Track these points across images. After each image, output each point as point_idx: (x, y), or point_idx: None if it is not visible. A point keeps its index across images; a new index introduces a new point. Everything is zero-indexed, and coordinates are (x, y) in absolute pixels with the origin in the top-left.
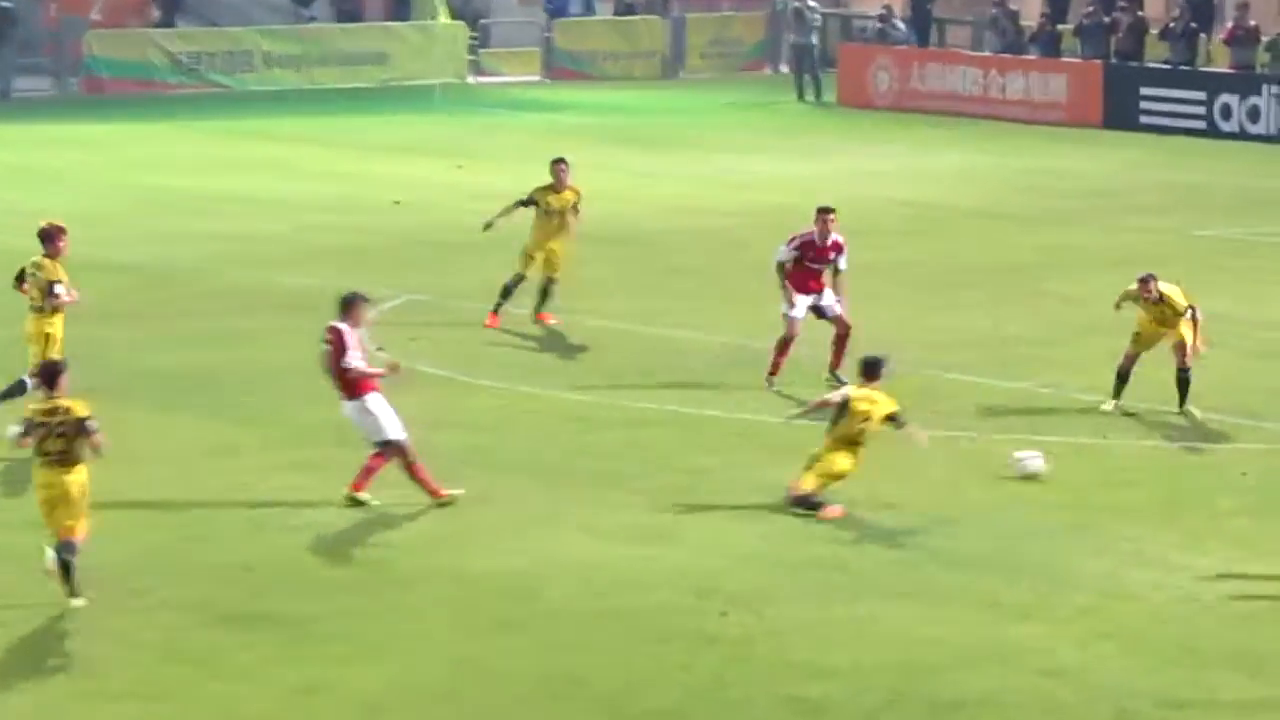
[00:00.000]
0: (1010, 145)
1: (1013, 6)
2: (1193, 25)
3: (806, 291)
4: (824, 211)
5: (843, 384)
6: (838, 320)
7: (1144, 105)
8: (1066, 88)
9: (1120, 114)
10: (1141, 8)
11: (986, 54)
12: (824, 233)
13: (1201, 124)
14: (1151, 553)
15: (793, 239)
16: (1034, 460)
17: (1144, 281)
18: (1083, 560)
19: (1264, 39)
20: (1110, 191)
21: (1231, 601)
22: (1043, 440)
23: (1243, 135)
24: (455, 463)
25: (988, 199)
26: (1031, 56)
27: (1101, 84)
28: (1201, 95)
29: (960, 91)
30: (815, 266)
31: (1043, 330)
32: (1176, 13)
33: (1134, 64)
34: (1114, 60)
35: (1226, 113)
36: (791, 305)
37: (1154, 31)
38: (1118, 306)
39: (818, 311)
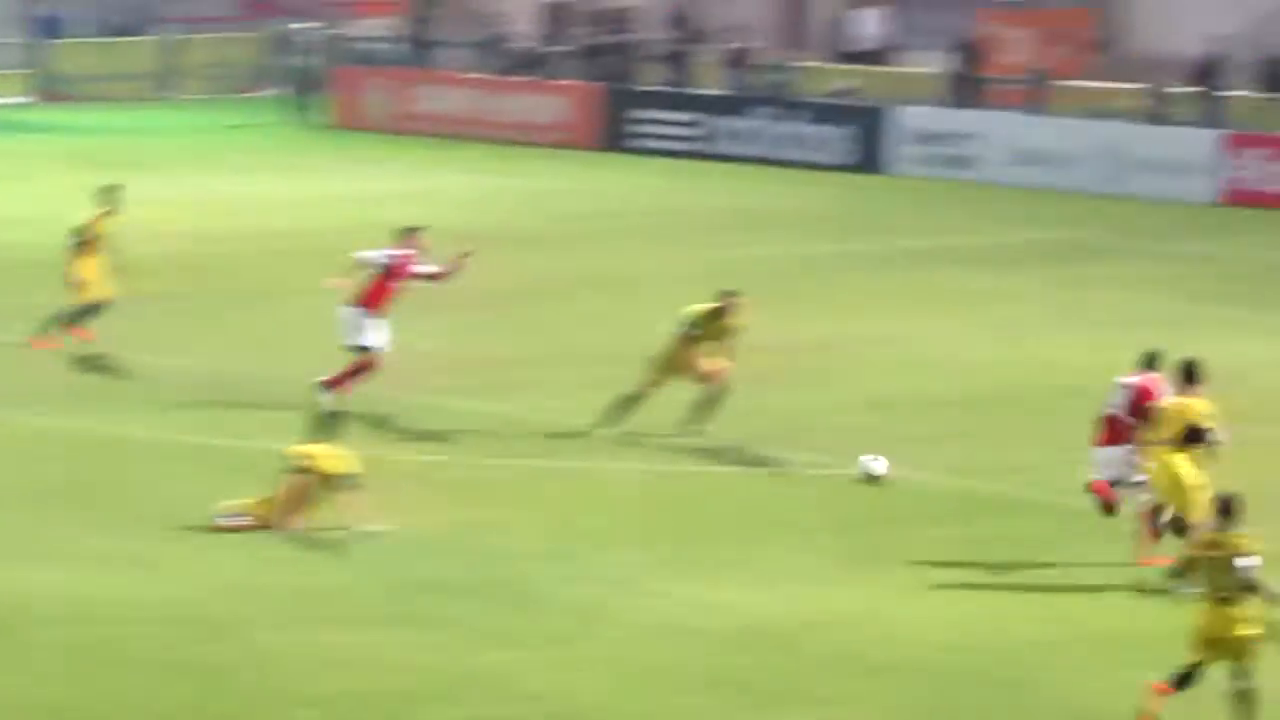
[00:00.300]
0: (508, 167)
1: (508, 28)
2: (683, 48)
3: (385, 314)
4: (410, 231)
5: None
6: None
7: (639, 128)
8: (563, 110)
9: (617, 136)
10: (635, 31)
11: (483, 75)
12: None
13: (695, 145)
14: (631, 578)
15: (392, 255)
16: (877, 463)
17: (726, 299)
18: (560, 586)
19: (756, 62)
20: (607, 214)
21: (711, 626)
22: (524, 463)
23: (734, 157)
24: None
25: (485, 220)
26: (528, 78)
27: (598, 106)
28: (694, 117)
29: (457, 113)
30: (397, 286)
31: (528, 351)
32: (669, 35)
33: (629, 86)
34: (610, 83)
35: (718, 134)
36: (371, 334)
37: (648, 54)
38: (692, 331)
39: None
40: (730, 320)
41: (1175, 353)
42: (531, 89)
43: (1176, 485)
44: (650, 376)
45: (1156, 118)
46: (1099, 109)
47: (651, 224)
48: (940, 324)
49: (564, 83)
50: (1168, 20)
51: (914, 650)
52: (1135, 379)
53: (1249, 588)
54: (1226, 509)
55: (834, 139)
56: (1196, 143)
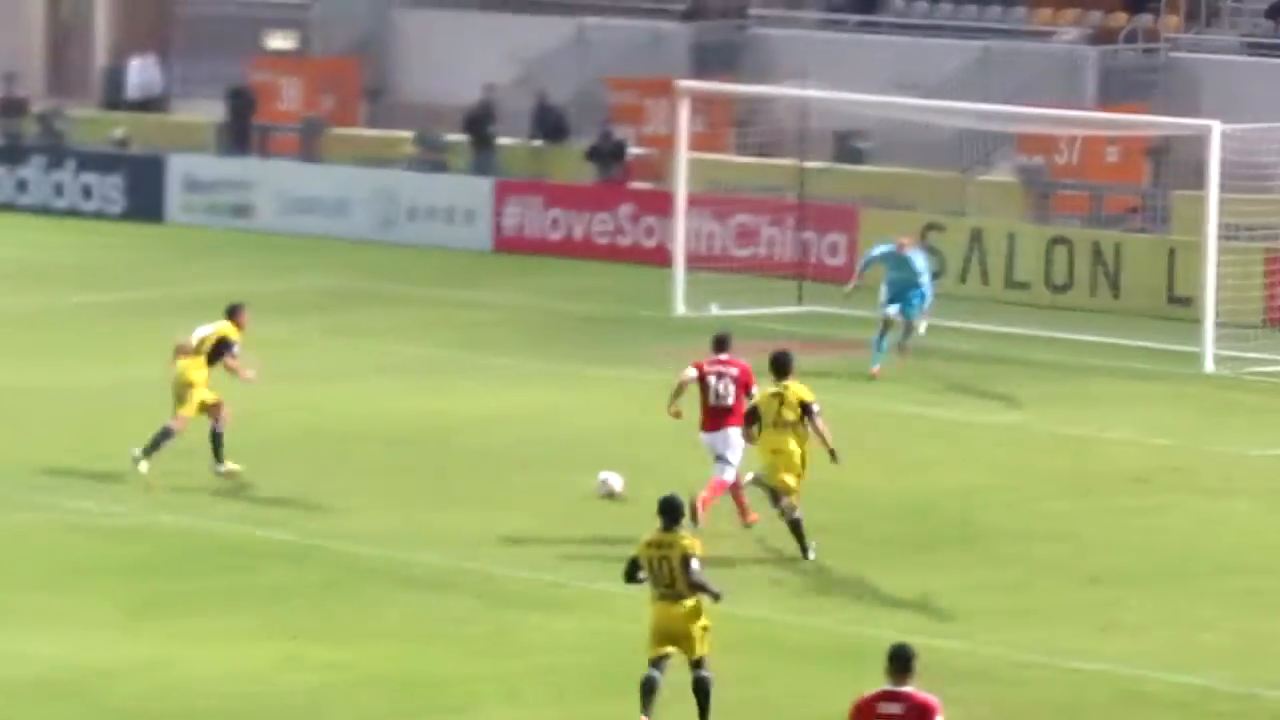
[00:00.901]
0: None
1: None
2: None
3: None
4: None
5: None
6: None
7: None
8: None
9: None
10: None
11: None
12: None
13: None
14: None
15: None
16: (615, 480)
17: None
18: None
19: (34, 110)
20: None
21: (4, 677)
22: None
23: (12, 207)
24: None
25: None
26: None
27: None
28: None
29: None
30: None
31: None
32: None
33: None
34: None
35: None
36: None
37: None
38: None
39: None
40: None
41: (450, 397)
42: None
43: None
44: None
45: (430, 165)
46: (373, 157)
47: None
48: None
49: None
50: (443, 69)
51: (202, 700)
52: (734, 369)
53: (696, 586)
54: (669, 510)
55: (110, 188)
56: (470, 190)
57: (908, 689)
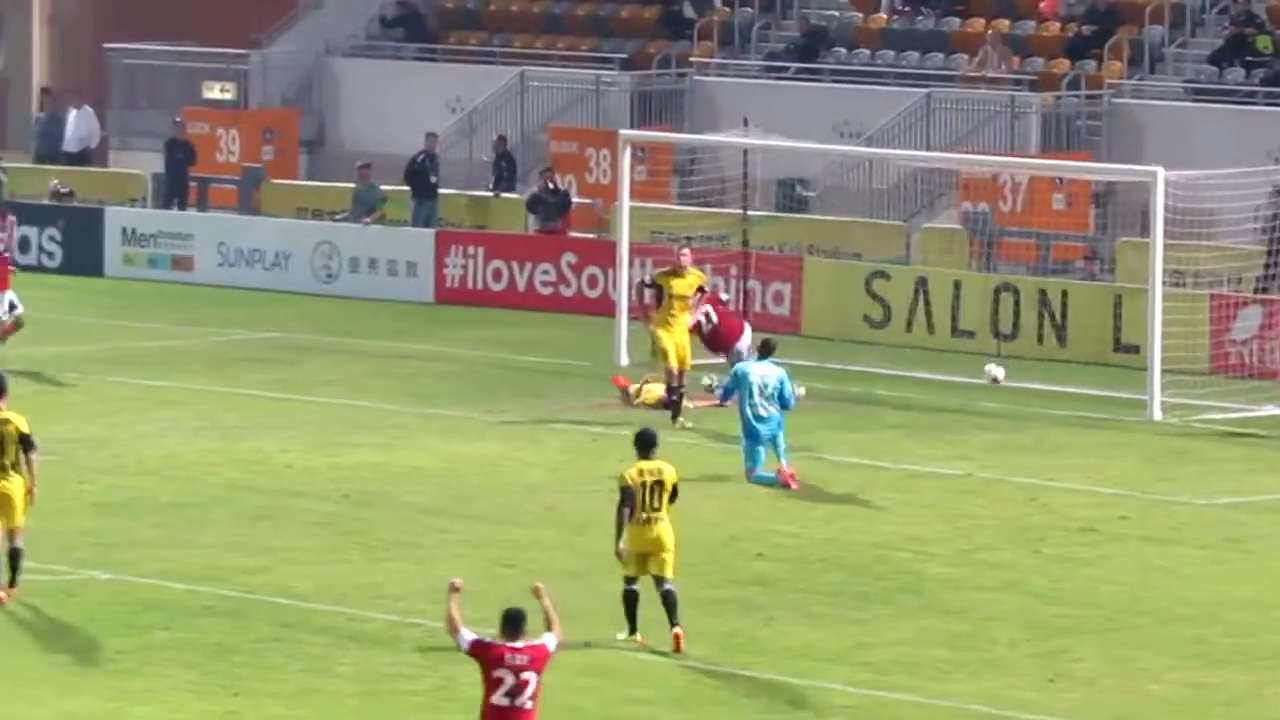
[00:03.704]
0: None
1: None
2: None
3: None
4: None
5: None
6: None
7: None
8: None
9: None
10: None
11: None
12: None
13: None
14: None
15: None
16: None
17: None
18: None
19: None
20: None
21: None
22: None
23: None
24: None
25: None
26: None
27: None
28: None
29: None
30: None
31: None
32: None
33: None
34: None
35: None
36: None
37: None
38: None
39: None
40: None
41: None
42: None
43: None
44: None
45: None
46: (313, 208)
47: None
48: (156, 426)
49: None
50: (383, 119)
51: None
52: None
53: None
54: (649, 441)
55: (48, 241)
56: (412, 241)
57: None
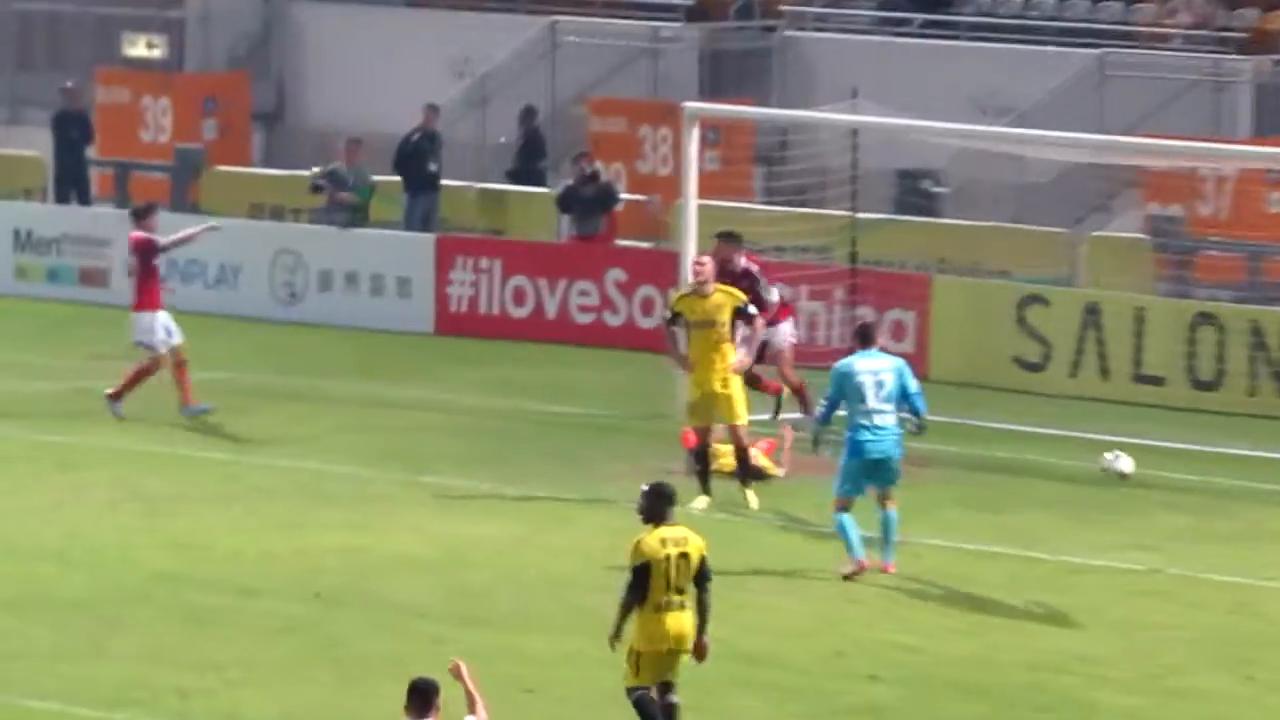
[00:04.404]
0: None
1: None
2: None
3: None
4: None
5: None
6: None
7: None
8: None
9: None
10: None
11: None
12: None
13: None
14: None
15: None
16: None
17: None
18: None
19: None
20: None
21: None
22: None
23: None
24: None
25: None
26: None
27: None
28: None
29: None
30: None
31: None
32: None
33: None
34: None
35: None
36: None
37: None
38: None
39: None
40: None
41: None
42: None
43: None
44: None
45: (343, 216)
46: (271, 205)
47: None
48: (56, 495)
49: None
50: (364, 85)
51: None
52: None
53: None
54: (667, 499)
55: None
56: (404, 250)
57: None
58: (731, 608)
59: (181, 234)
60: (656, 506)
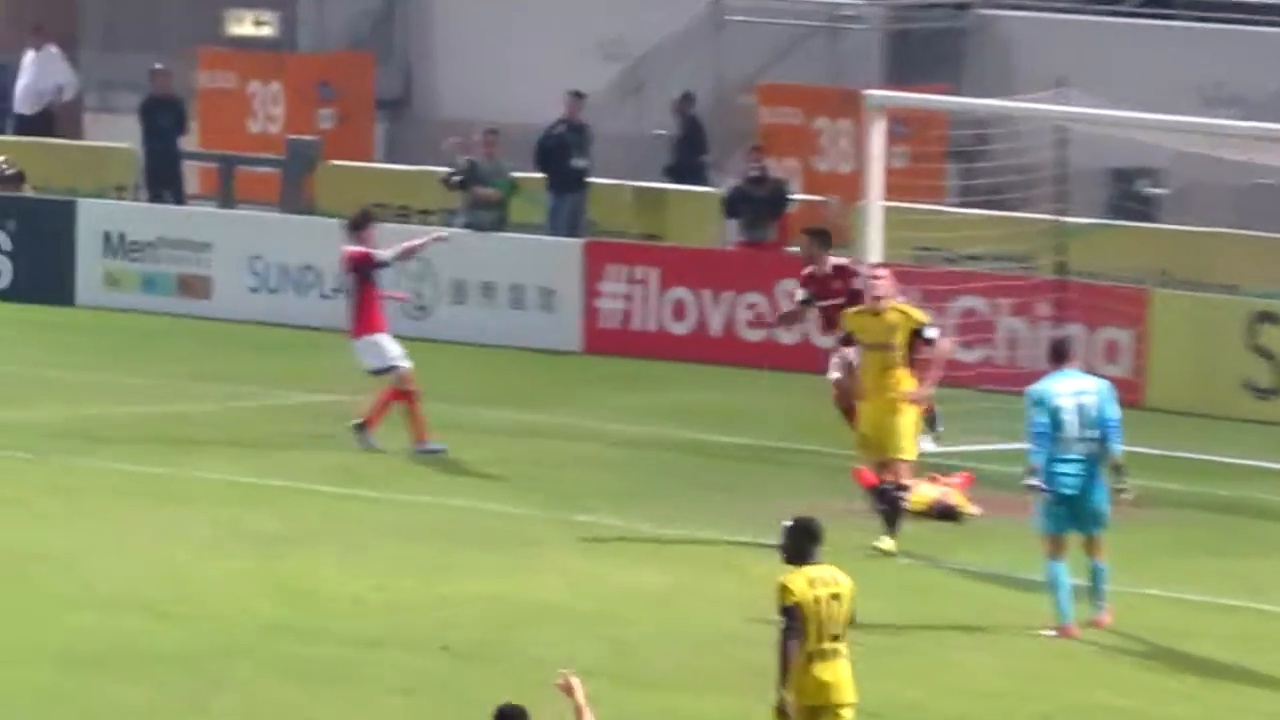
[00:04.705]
0: None
1: None
2: None
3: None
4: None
5: None
6: None
7: None
8: None
9: None
10: None
11: None
12: None
13: None
14: None
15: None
16: None
17: None
18: None
19: None
20: None
21: None
22: None
23: None
24: None
25: None
26: None
27: None
28: None
29: None
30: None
31: None
32: None
33: None
34: None
35: None
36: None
37: None
38: None
39: None
40: None
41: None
42: None
43: None
44: None
45: (481, 217)
46: (396, 203)
47: None
48: (150, 535)
49: None
50: (499, 70)
51: None
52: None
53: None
54: (814, 536)
55: None
56: (547, 257)
57: None
58: (927, 666)
59: (405, 245)
60: (801, 544)
